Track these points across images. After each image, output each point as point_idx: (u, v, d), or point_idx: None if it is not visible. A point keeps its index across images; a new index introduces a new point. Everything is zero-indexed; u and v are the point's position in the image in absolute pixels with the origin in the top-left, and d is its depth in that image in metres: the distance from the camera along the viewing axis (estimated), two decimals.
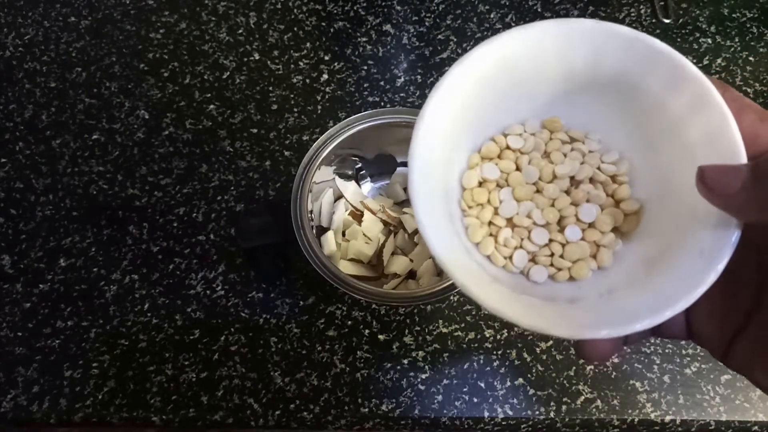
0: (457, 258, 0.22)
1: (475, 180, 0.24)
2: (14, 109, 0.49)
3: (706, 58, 0.52)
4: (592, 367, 0.42)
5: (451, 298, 0.43)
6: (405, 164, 0.45)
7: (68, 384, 0.41)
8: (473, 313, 0.43)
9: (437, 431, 0.42)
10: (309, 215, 0.39)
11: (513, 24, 0.54)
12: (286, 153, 0.48)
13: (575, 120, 0.25)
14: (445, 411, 0.41)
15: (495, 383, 0.41)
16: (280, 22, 0.53)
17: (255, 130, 0.49)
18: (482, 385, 0.41)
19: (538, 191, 0.24)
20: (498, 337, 0.43)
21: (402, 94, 0.50)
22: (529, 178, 0.24)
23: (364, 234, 0.42)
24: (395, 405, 0.41)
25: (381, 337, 0.42)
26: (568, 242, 0.24)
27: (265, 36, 0.53)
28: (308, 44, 0.52)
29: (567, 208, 0.24)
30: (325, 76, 0.51)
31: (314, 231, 0.40)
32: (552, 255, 0.24)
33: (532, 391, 0.41)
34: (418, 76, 0.51)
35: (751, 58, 0.52)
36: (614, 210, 0.24)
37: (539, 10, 0.54)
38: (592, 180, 0.25)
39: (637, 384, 0.41)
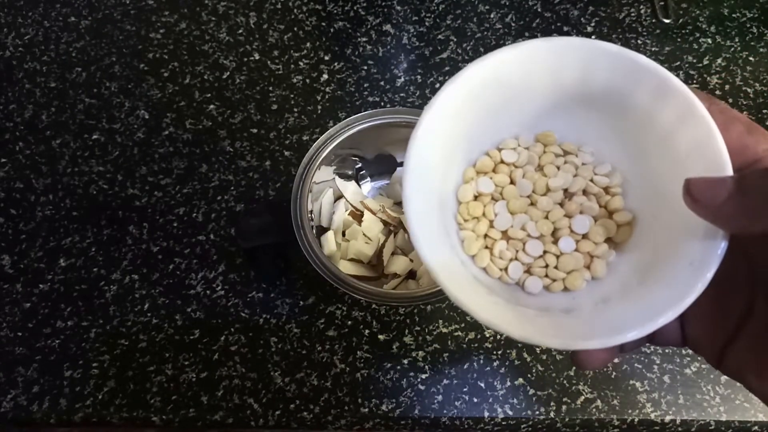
0: (451, 270, 0.22)
1: (470, 194, 0.25)
2: (14, 109, 0.49)
3: (706, 58, 0.52)
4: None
5: (450, 298, 0.43)
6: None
7: (68, 384, 0.41)
8: None
9: (437, 431, 0.42)
10: (309, 215, 0.39)
11: (513, 24, 0.54)
12: (286, 153, 0.48)
13: (568, 133, 0.26)
14: (445, 411, 0.41)
15: (495, 383, 0.41)
16: (280, 22, 0.53)
17: (255, 130, 0.49)
18: (482, 385, 0.41)
19: (532, 204, 0.25)
20: (498, 337, 0.43)
21: (402, 94, 0.50)
22: (523, 192, 0.25)
23: (364, 234, 0.42)
24: (395, 405, 0.41)
25: (381, 337, 0.42)
26: (562, 253, 0.24)
27: (265, 36, 0.53)
28: (308, 44, 0.52)
29: (561, 220, 0.24)
30: (325, 76, 0.51)
31: (314, 231, 0.40)
32: (546, 266, 0.24)
33: (532, 391, 0.41)
34: (418, 76, 0.51)
35: (751, 58, 0.52)
36: (607, 221, 0.24)
37: (539, 10, 0.54)
38: (585, 192, 0.25)
39: (637, 384, 0.41)
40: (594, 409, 0.41)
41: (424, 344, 0.42)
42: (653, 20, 0.54)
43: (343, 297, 0.43)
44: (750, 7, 0.55)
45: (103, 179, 0.47)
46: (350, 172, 0.45)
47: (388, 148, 0.44)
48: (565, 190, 0.25)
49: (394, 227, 0.43)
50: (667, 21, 0.54)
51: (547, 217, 0.25)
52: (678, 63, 0.52)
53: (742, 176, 0.19)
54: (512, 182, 0.25)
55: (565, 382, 0.41)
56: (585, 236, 0.24)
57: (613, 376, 0.42)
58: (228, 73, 0.51)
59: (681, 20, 0.54)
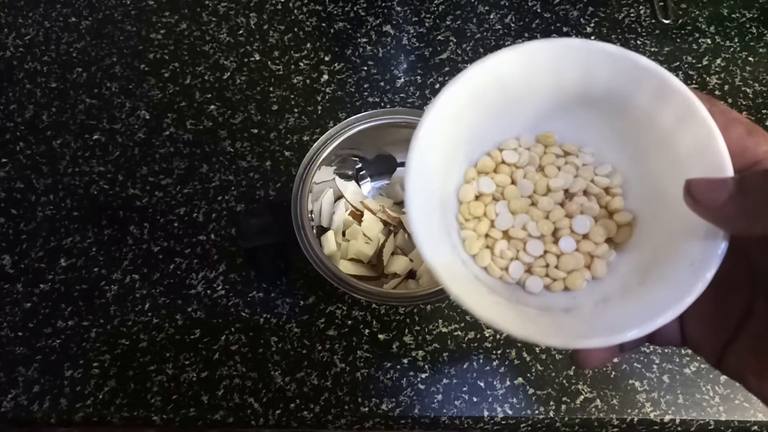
0: (452, 269, 0.22)
1: (471, 194, 0.25)
2: (15, 109, 0.50)
3: (706, 58, 0.53)
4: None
5: (451, 298, 0.43)
6: (405, 164, 0.45)
7: (69, 384, 0.41)
8: None
9: (437, 431, 0.42)
10: (309, 215, 0.39)
11: (512, 25, 0.54)
12: (287, 153, 0.48)
13: (569, 134, 0.26)
14: (444, 410, 0.41)
15: (494, 383, 0.41)
16: (281, 23, 0.53)
17: (255, 131, 0.49)
18: (482, 384, 0.41)
19: (533, 204, 0.25)
20: (498, 336, 0.43)
21: (402, 95, 0.51)
22: (524, 192, 0.25)
23: (364, 234, 0.42)
24: (395, 404, 0.41)
25: (381, 336, 0.43)
26: (562, 253, 0.24)
27: (265, 37, 0.53)
28: (308, 45, 0.52)
29: (561, 220, 0.25)
30: (326, 77, 0.51)
31: (314, 231, 0.40)
32: (547, 266, 0.24)
33: (531, 391, 0.41)
34: (418, 77, 0.51)
35: (750, 58, 0.53)
36: (608, 221, 0.25)
37: (539, 10, 0.54)
38: (585, 192, 0.25)
39: (637, 383, 0.41)
40: (593, 409, 0.41)
41: (424, 344, 0.42)
42: (653, 21, 0.54)
43: (343, 297, 0.43)
44: (749, 8, 0.55)
45: (104, 179, 0.47)
46: (350, 172, 0.45)
47: (388, 148, 0.44)
48: (566, 191, 0.25)
49: (394, 227, 0.43)
50: (666, 21, 0.54)
51: (547, 217, 0.25)
52: (677, 63, 0.52)
53: (742, 177, 0.19)
54: (513, 182, 0.25)
55: (564, 381, 0.41)
56: (585, 236, 0.24)
57: (612, 376, 0.42)
58: (228, 73, 0.51)
59: (680, 20, 0.54)
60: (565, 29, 0.53)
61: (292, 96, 0.50)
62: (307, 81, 0.51)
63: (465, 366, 0.42)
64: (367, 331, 0.43)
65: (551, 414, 0.41)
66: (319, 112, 0.50)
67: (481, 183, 0.25)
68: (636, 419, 0.41)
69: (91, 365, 0.41)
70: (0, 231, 0.45)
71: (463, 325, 0.43)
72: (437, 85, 0.51)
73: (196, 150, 0.48)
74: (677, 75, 0.51)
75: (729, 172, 0.20)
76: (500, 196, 0.25)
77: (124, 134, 0.49)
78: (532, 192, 0.25)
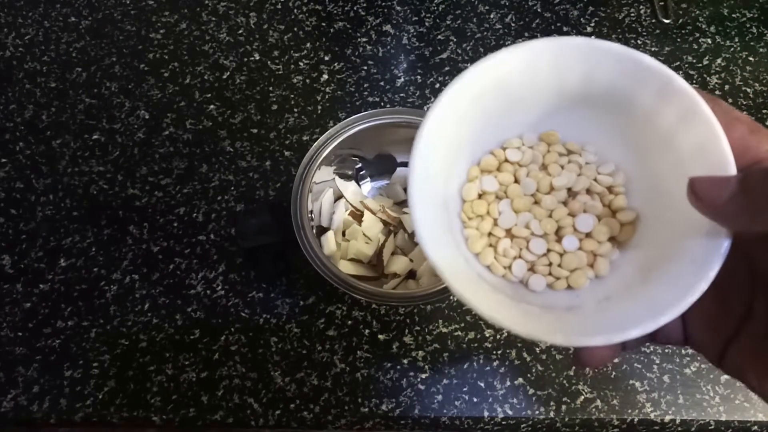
0: (456, 268, 0.22)
1: (474, 192, 0.25)
2: (14, 109, 0.50)
3: (706, 58, 0.52)
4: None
5: (451, 298, 0.43)
6: (405, 164, 0.45)
7: (68, 384, 0.41)
8: (473, 313, 0.43)
9: (437, 431, 0.42)
10: (309, 215, 0.39)
11: (513, 24, 0.54)
12: (286, 153, 0.48)
13: (572, 133, 0.26)
14: (445, 411, 0.41)
15: (495, 383, 0.41)
16: (280, 23, 0.53)
17: (255, 131, 0.49)
18: (482, 384, 0.41)
19: (536, 203, 0.25)
20: (498, 337, 0.43)
21: (402, 94, 0.50)
22: (527, 190, 0.25)
23: (364, 234, 0.42)
24: (395, 405, 0.41)
25: (381, 337, 0.42)
26: (565, 252, 0.24)
27: (265, 36, 0.53)
28: (308, 44, 0.52)
29: (564, 219, 0.25)
30: (325, 77, 0.51)
31: (314, 231, 0.40)
32: (550, 264, 0.24)
33: (531, 391, 0.41)
34: (418, 77, 0.51)
35: (751, 58, 0.52)
36: (611, 220, 0.25)
37: (539, 10, 0.54)
38: (588, 191, 0.25)
39: (637, 384, 0.41)
40: (594, 409, 0.41)
41: (424, 344, 0.42)
42: (653, 20, 0.54)
43: (343, 297, 0.43)
44: (750, 7, 0.55)
45: (104, 179, 0.47)
46: (350, 172, 0.45)
47: (388, 148, 0.44)
48: (569, 189, 0.25)
49: (394, 227, 0.43)
50: (666, 21, 0.54)
51: (550, 216, 0.25)
52: (678, 63, 0.52)
53: (745, 175, 0.19)
54: (516, 181, 0.25)
55: (564, 381, 0.41)
56: (588, 235, 0.24)
57: (612, 376, 0.42)
58: (228, 73, 0.51)
59: (681, 20, 0.54)
60: (565, 29, 0.53)
61: (292, 96, 0.50)
62: (307, 81, 0.51)
63: (465, 366, 0.42)
64: (367, 331, 0.43)
65: (551, 414, 0.41)
66: (319, 111, 0.50)
67: (484, 181, 0.25)
68: (636, 419, 0.41)
69: (90, 365, 0.41)
70: (0, 231, 0.45)
71: (463, 325, 0.43)
72: (437, 85, 0.51)
73: (195, 150, 0.48)
74: (677, 75, 0.51)
75: (732, 170, 0.20)
76: (503, 194, 0.25)
77: (124, 134, 0.49)
78: (535, 190, 0.25)
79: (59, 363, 0.41)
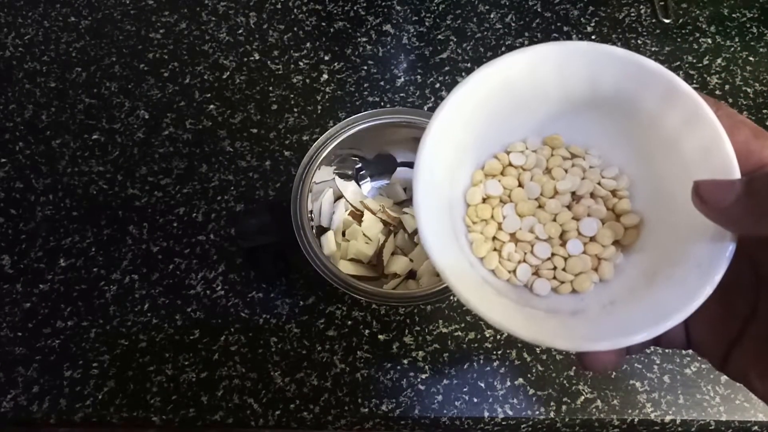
0: (461, 273, 0.22)
1: (479, 196, 0.25)
2: (14, 109, 0.49)
3: (706, 58, 0.52)
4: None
5: (451, 298, 0.43)
6: (405, 164, 0.45)
7: (68, 384, 0.41)
8: (474, 313, 0.43)
9: (437, 431, 0.42)
10: (309, 215, 0.39)
11: (513, 24, 0.54)
12: (286, 153, 0.48)
13: (575, 136, 0.26)
14: (445, 411, 0.41)
15: (495, 383, 0.41)
16: (280, 22, 0.53)
17: (255, 130, 0.49)
18: (482, 385, 0.41)
19: (540, 206, 0.25)
20: (498, 337, 0.43)
21: (402, 94, 0.50)
22: (532, 194, 0.25)
23: (364, 234, 0.42)
24: (395, 405, 0.41)
25: (381, 337, 0.42)
26: (570, 256, 0.24)
27: (265, 36, 0.53)
28: (308, 44, 0.52)
29: (568, 223, 0.25)
30: (325, 76, 0.51)
31: (314, 231, 0.40)
32: (555, 268, 0.24)
33: (532, 391, 0.41)
34: (418, 76, 0.51)
35: (751, 58, 0.52)
36: (615, 224, 0.25)
37: (539, 10, 0.54)
38: (592, 195, 0.25)
39: (637, 384, 0.41)
40: (594, 409, 0.41)
41: (424, 344, 0.42)
42: (653, 20, 0.54)
43: (343, 297, 0.43)
44: (750, 7, 0.55)
45: (103, 179, 0.47)
46: (350, 172, 0.45)
47: (388, 148, 0.44)
48: (573, 193, 0.25)
49: (394, 227, 0.43)
50: (667, 21, 0.54)
51: (555, 220, 0.25)
52: (678, 63, 0.52)
53: (750, 179, 0.19)
54: (520, 185, 0.25)
55: (565, 382, 0.41)
56: (593, 239, 0.24)
57: (613, 376, 0.42)
58: (228, 73, 0.51)
59: (681, 20, 0.54)
60: (565, 28, 0.53)
61: (292, 95, 0.50)
62: (307, 80, 0.51)
63: (465, 366, 0.42)
64: (367, 331, 0.43)
65: (552, 414, 0.41)
66: (319, 111, 0.49)
67: (488, 186, 0.25)
68: (637, 420, 0.41)
69: (90, 365, 0.41)
70: (0, 231, 0.45)
71: (463, 325, 0.43)
72: (437, 85, 0.51)
73: (195, 150, 0.48)
74: (678, 75, 0.51)
75: (736, 174, 0.20)
76: (507, 198, 0.25)
77: (124, 134, 0.49)
78: (540, 194, 0.25)
79: (59, 363, 0.41)
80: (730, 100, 0.51)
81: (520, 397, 0.41)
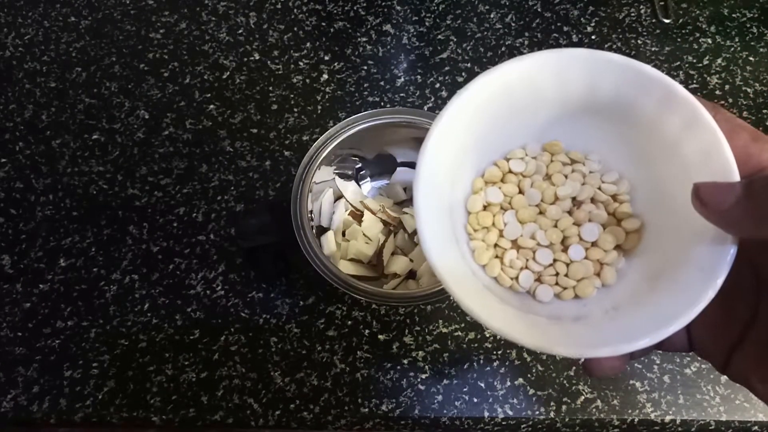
0: (463, 281, 0.22)
1: (479, 204, 0.25)
2: (14, 109, 0.49)
3: (706, 58, 0.52)
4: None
5: (452, 298, 0.43)
6: (405, 164, 0.45)
7: (68, 384, 0.41)
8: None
9: (437, 431, 0.42)
10: (309, 215, 0.39)
11: (513, 24, 0.54)
12: (286, 153, 0.48)
13: (575, 142, 0.26)
14: (445, 411, 0.41)
15: (495, 383, 0.41)
16: (280, 22, 0.53)
17: (255, 130, 0.49)
18: (482, 385, 0.41)
19: (541, 213, 0.25)
20: (498, 337, 0.43)
21: (402, 94, 0.50)
22: (532, 201, 0.25)
23: (364, 234, 0.42)
24: (395, 405, 0.41)
25: (381, 337, 0.42)
26: (572, 261, 0.24)
27: (265, 36, 0.53)
28: (308, 44, 0.52)
29: (570, 229, 0.25)
30: (325, 76, 0.51)
31: (314, 231, 0.40)
32: (557, 274, 0.24)
33: (532, 391, 0.41)
34: (418, 76, 0.51)
35: (751, 58, 0.52)
36: (616, 228, 0.25)
37: (539, 10, 0.54)
38: (593, 200, 0.25)
39: (637, 384, 0.41)
40: (594, 409, 0.41)
41: (424, 344, 0.42)
42: (653, 20, 0.54)
43: (343, 297, 0.43)
44: (750, 7, 0.55)
45: (103, 179, 0.47)
46: (350, 172, 0.45)
47: (388, 148, 0.44)
48: (574, 199, 0.25)
49: (394, 227, 0.43)
50: (667, 21, 0.54)
51: (556, 226, 0.25)
52: (678, 63, 0.52)
53: (750, 181, 0.19)
54: (521, 192, 0.26)
55: (565, 382, 0.41)
56: (594, 244, 0.24)
57: (613, 377, 0.42)
58: (228, 73, 0.51)
59: (681, 20, 0.54)
60: (565, 28, 0.53)
61: (292, 95, 0.50)
62: (307, 80, 0.51)
63: (465, 366, 0.42)
64: (367, 331, 0.43)
65: (552, 414, 0.41)
66: (319, 111, 0.49)
67: (488, 193, 0.25)
68: (637, 420, 0.41)
69: (90, 365, 0.41)
70: (0, 231, 0.45)
71: (463, 325, 0.43)
72: (437, 85, 0.51)
73: (195, 150, 0.48)
74: (678, 75, 0.51)
75: (735, 177, 0.21)
76: (508, 205, 0.25)
77: (124, 134, 0.49)
78: (540, 201, 0.25)
79: (59, 363, 0.41)
80: (730, 100, 0.51)
81: (520, 397, 0.41)
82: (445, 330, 0.43)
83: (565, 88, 0.24)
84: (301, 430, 0.41)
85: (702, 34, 0.53)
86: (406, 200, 0.46)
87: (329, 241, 0.42)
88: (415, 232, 0.43)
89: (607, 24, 0.54)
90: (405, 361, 0.42)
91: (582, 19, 0.54)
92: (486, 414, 0.41)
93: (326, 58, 0.52)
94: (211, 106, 0.50)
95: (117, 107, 0.49)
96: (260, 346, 0.42)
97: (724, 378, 0.42)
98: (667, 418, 0.41)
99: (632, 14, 0.54)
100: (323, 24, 0.53)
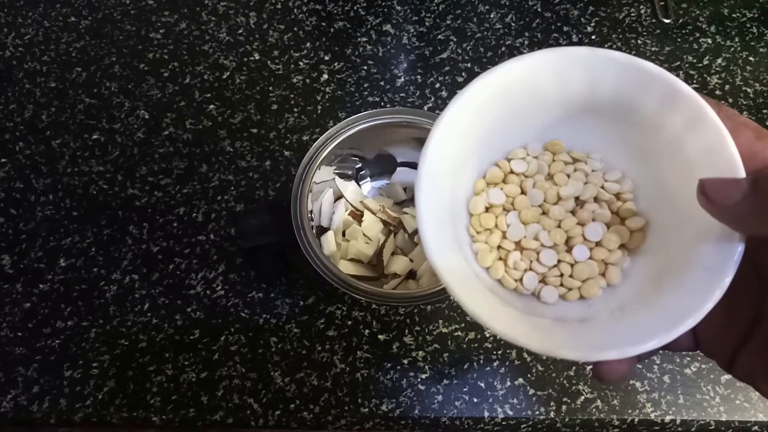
0: (467, 285, 0.22)
1: (481, 206, 0.25)
2: (14, 109, 0.49)
3: (706, 58, 0.52)
4: (591, 366, 0.42)
5: (452, 298, 0.43)
6: (405, 164, 0.45)
7: (68, 384, 0.41)
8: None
9: (437, 431, 0.42)
10: (309, 215, 0.39)
11: (513, 24, 0.54)
12: (286, 153, 0.48)
13: (576, 141, 0.26)
14: (445, 411, 0.41)
15: (495, 383, 0.41)
16: (280, 22, 0.53)
17: (255, 130, 0.49)
18: (482, 385, 0.41)
19: (544, 213, 0.25)
20: (498, 337, 0.42)
21: (402, 94, 0.50)
22: (535, 201, 0.25)
23: (364, 234, 0.42)
24: (395, 405, 0.41)
25: (381, 337, 0.42)
26: (576, 262, 0.24)
27: (265, 36, 0.53)
28: (308, 44, 0.52)
29: (573, 229, 0.24)
30: (325, 76, 0.51)
31: (314, 231, 0.40)
32: (561, 275, 0.24)
33: (532, 391, 0.41)
34: (418, 76, 0.51)
35: (751, 58, 0.52)
36: (620, 227, 0.24)
37: (539, 10, 0.54)
38: (596, 199, 0.25)
39: (637, 384, 0.41)
40: (594, 409, 0.41)
41: (424, 344, 0.42)
42: (653, 20, 0.54)
43: (343, 297, 0.43)
44: (750, 7, 0.55)
45: (103, 179, 0.47)
46: (350, 172, 0.45)
47: (388, 148, 0.44)
48: (577, 198, 0.25)
49: (394, 227, 0.43)
50: (667, 21, 0.54)
51: (559, 226, 0.25)
52: (678, 63, 0.52)
53: (756, 178, 0.19)
54: (523, 192, 0.25)
55: (565, 382, 0.41)
56: (598, 243, 0.24)
57: (622, 382, 0.42)
58: (228, 73, 0.51)
59: (681, 20, 0.54)
60: (565, 28, 0.53)
61: (292, 95, 0.50)
62: (307, 80, 0.51)
63: (465, 366, 0.42)
64: (367, 331, 0.43)
65: (552, 414, 0.41)
66: (319, 111, 0.49)
67: (490, 194, 0.25)
68: (637, 420, 0.41)
69: (90, 365, 0.41)
70: (0, 231, 0.45)
71: (463, 325, 0.43)
72: (437, 85, 0.51)
73: (195, 150, 0.48)
74: (678, 75, 0.51)
75: (741, 175, 0.20)
76: (511, 206, 0.25)
77: (124, 134, 0.49)
78: (543, 201, 0.25)
79: (59, 363, 0.41)
80: (730, 100, 0.51)
81: (520, 397, 0.41)
82: (445, 330, 0.43)
83: (566, 87, 0.23)
84: (301, 430, 0.41)
85: (702, 34, 0.53)
86: (406, 200, 0.46)
87: (329, 241, 0.41)
88: (415, 232, 0.43)
89: (607, 24, 0.54)
90: (405, 361, 0.42)
91: (582, 19, 0.54)
92: (486, 414, 0.41)
93: (326, 58, 0.52)
94: (211, 106, 0.50)
95: (117, 107, 0.49)
96: (260, 346, 0.42)
97: (724, 378, 0.42)
98: (667, 418, 0.41)
99: (632, 14, 0.54)
100: (323, 24, 0.53)
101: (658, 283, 0.22)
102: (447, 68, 0.52)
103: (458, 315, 0.43)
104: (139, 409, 0.40)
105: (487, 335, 0.43)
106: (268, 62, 0.51)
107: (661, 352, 0.42)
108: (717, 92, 0.51)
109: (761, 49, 0.53)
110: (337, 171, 0.44)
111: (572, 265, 0.24)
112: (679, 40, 0.53)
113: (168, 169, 0.47)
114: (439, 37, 0.53)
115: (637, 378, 0.42)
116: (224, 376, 0.41)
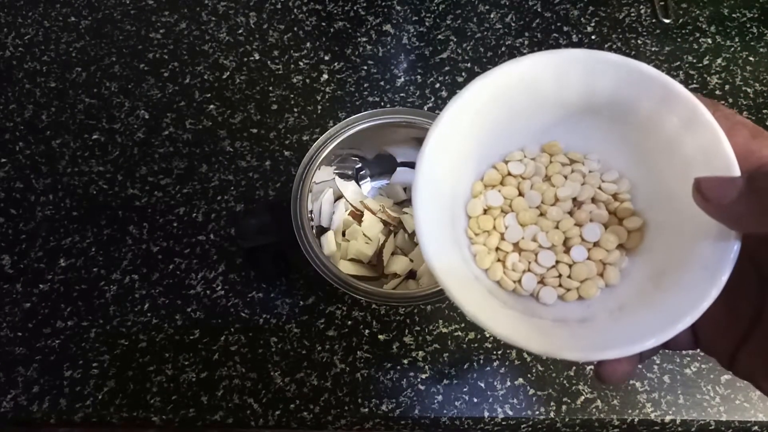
0: (466, 287, 0.22)
1: (479, 208, 0.25)
2: (14, 109, 0.49)
3: (706, 58, 0.52)
4: (592, 367, 0.42)
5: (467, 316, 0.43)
6: (405, 164, 0.45)
7: (68, 384, 0.41)
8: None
9: (437, 431, 0.42)
10: (309, 215, 0.39)
11: (513, 24, 0.54)
12: (286, 153, 0.48)
13: (573, 142, 0.26)
14: (445, 411, 0.41)
15: (495, 383, 0.41)
16: (280, 22, 0.53)
17: (255, 130, 0.49)
18: (482, 385, 0.41)
19: (541, 215, 0.25)
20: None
21: (402, 94, 0.50)
22: (532, 203, 0.25)
23: (364, 234, 0.42)
24: (395, 405, 0.41)
25: (381, 337, 0.42)
26: (574, 262, 0.24)
27: (265, 36, 0.53)
28: (308, 44, 0.52)
29: (571, 229, 0.24)
30: (325, 76, 0.51)
31: (314, 231, 0.40)
32: (560, 276, 0.24)
33: (532, 391, 0.41)
34: (418, 76, 0.51)
35: (751, 58, 0.52)
36: (618, 228, 0.25)
37: (539, 10, 0.54)
38: (594, 200, 0.25)
39: (637, 384, 0.41)
40: (594, 409, 0.41)
41: (424, 344, 0.42)
42: (653, 20, 0.54)
43: (343, 297, 0.43)
44: (750, 7, 0.55)
45: (103, 179, 0.47)
46: (350, 172, 0.45)
47: (388, 148, 0.44)
48: (574, 199, 0.25)
49: (394, 227, 0.43)
50: (667, 21, 0.54)
51: (557, 227, 0.25)
52: (678, 63, 0.52)
53: (752, 176, 0.19)
54: (521, 194, 0.25)
55: (565, 382, 0.41)
56: (596, 244, 0.24)
57: (623, 384, 0.42)
58: (228, 73, 0.51)
59: (681, 20, 0.54)
60: (565, 28, 0.53)
61: (292, 95, 0.50)
62: (307, 80, 0.51)
63: (465, 366, 0.42)
64: (367, 331, 0.43)
65: (552, 414, 0.41)
66: (319, 111, 0.49)
67: (488, 196, 0.25)
68: (637, 420, 0.41)
69: (90, 365, 0.41)
70: (0, 231, 0.45)
71: (463, 325, 0.43)
72: (437, 85, 0.51)
73: (195, 150, 0.48)
74: (678, 75, 0.51)
75: (736, 173, 0.20)
76: (508, 208, 0.25)
77: (124, 134, 0.49)
78: (540, 202, 0.25)
79: (59, 363, 0.41)
80: (730, 100, 0.51)
81: (520, 397, 0.41)
82: (445, 330, 0.43)
83: (564, 88, 0.24)
84: (301, 430, 0.41)
85: (702, 34, 0.53)
86: (406, 200, 0.46)
87: (329, 241, 0.42)
88: (415, 232, 0.43)
89: (607, 24, 0.54)
90: (405, 361, 0.42)
91: (582, 19, 0.54)
92: (486, 414, 0.41)
93: (326, 58, 0.52)
94: (211, 106, 0.50)
95: (117, 107, 0.49)
96: (260, 346, 0.42)
97: (724, 378, 0.42)
98: (667, 418, 0.41)
99: (632, 14, 0.54)
100: (323, 24, 0.53)
101: (657, 282, 0.23)
102: (447, 68, 0.52)
103: (458, 315, 0.43)
104: (139, 409, 0.40)
105: (487, 335, 0.43)
106: (268, 62, 0.51)
107: (661, 351, 0.42)
108: (717, 92, 0.51)
109: (761, 49, 0.53)
110: (337, 171, 0.44)
111: (570, 266, 0.24)
112: (679, 40, 0.53)
113: (168, 169, 0.47)
114: (439, 37, 0.53)
115: (637, 378, 0.42)
116: (224, 376, 0.41)
